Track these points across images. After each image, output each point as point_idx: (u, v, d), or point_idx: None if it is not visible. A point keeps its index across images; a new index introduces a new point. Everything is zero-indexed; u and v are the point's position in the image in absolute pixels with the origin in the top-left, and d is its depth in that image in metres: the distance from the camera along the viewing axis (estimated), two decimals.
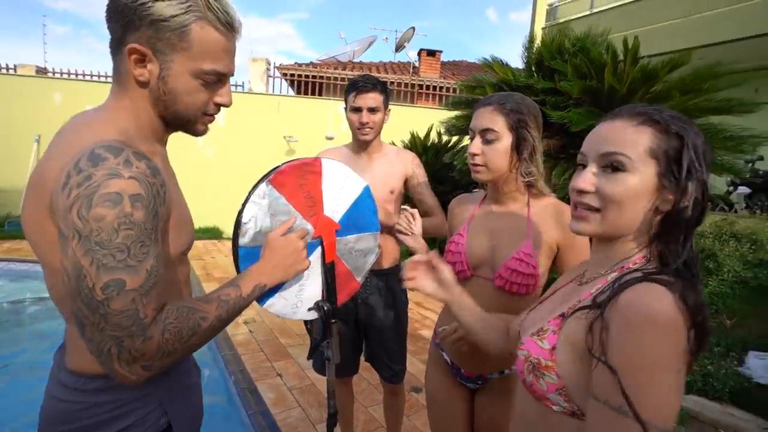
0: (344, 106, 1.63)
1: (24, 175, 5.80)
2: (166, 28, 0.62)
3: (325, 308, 1.01)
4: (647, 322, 0.51)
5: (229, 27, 0.67)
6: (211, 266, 5.07)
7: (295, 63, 9.69)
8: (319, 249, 1.02)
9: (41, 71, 7.38)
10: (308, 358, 1.08)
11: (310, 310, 1.02)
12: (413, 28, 10.24)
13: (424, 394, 1.30)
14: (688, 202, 0.58)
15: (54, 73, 7.24)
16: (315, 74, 8.69)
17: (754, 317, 3.02)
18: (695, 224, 0.60)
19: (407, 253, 1.26)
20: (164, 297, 0.68)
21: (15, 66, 7.05)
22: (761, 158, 5.51)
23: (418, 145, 5.26)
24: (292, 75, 8.78)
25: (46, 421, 0.69)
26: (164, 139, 0.75)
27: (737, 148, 2.86)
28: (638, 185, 0.59)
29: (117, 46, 0.65)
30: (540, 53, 3.43)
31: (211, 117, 0.74)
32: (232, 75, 0.72)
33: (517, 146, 0.98)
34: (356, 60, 10.54)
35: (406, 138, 5.53)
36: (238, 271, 0.92)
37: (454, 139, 4.87)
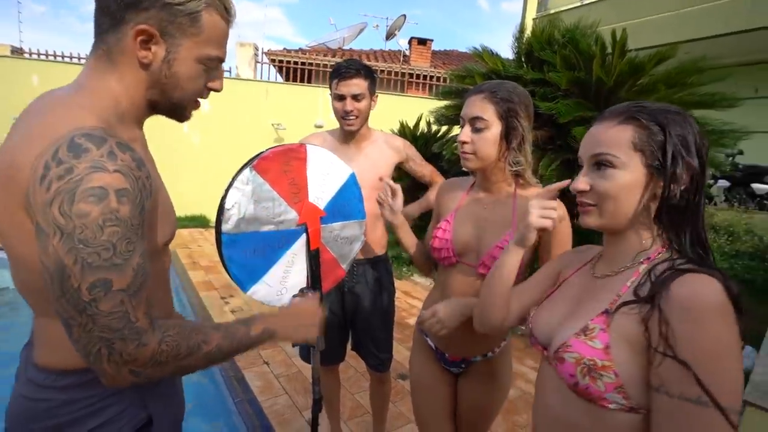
0: (330, 92, 1.59)
1: None
2: (179, 13, 0.62)
3: (310, 295, 1.01)
4: (714, 314, 0.53)
5: (231, 15, 0.69)
6: (197, 255, 5.02)
7: (284, 49, 9.51)
8: (303, 236, 1.02)
9: (17, 51, 7.10)
10: (293, 345, 1.08)
11: (294, 296, 1.02)
12: (404, 15, 10.13)
13: (410, 384, 1.32)
14: (677, 188, 0.62)
15: (31, 54, 6.97)
16: (304, 61, 8.55)
17: None
18: (693, 207, 0.63)
19: (395, 242, 1.27)
20: (151, 290, 0.67)
21: None
22: (741, 152, 5.65)
23: (407, 135, 5.24)
24: (281, 61, 8.63)
25: (14, 420, 0.66)
26: (142, 123, 0.72)
27: (719, 142, 2.92)
28: (628, 179, 0.64)
29: (115, 24, 0.62)
30: (530, 44, 3.43)
31: (198, 103, 0.74)
32: (224, 61, 0.73)
33: (506, 135, 0.98)
34: (346, 47, 10.40)
35: (396, 127, 5.50)
36: (221, 257, 0.91)
37: (444, 128, 4.86)
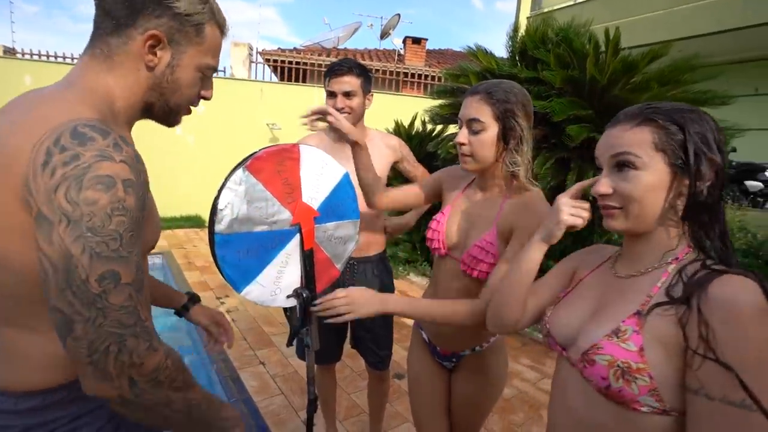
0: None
1: None
2: (187, 23, 0.66)
3: (304, 295, 1.01)
4: (756, 316, 0.52)
5: (225, 29, 0.74)
6: (192, 255, 4.99)
7: (279, 48, 9.48)
8: (297, 236, 1.01)
9: (9, 52, 7.03)
10: (288, 345, 1.08)
11: (288, 297, 1.02)
12: (398, 15, 10.13)
13: (407, 380, 1.32)
14: (702, 185, 0.62)
15: (24, 54, 6.90)
16: (299, 60, 8.53)
17: None
18: (717, 203, 0.63)
19: (393, 242, 1.27)
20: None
21: None
22: (734, 150, 5.69)
23: (402, 134, 5.24)
24: (275, 61, 8.59)
25: None
26: (132, 125, 0.73)
27: None
28: (652, 179, 0.63)
29: (120, 28, 0.63)
30: (524, 42, 3.44)
31: (190, 109, 0.76)
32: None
33: (504, 136, 0.97)
34: (341, 47, 10.39)
35: (391, 126, 5.50)
36: (214, 257, 0.91)
37: (439, 127, 4.87)
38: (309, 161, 1.02)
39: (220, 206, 0.88)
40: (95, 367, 0.51)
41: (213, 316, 1.04)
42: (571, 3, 6.67)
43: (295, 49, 9.86)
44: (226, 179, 0.89)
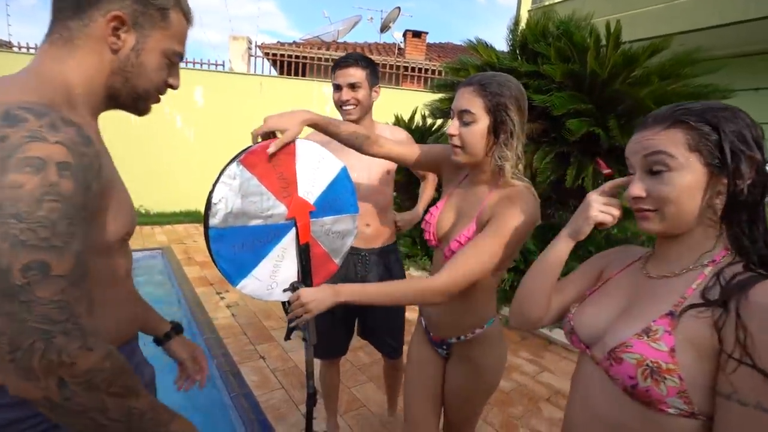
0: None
1: None
2: (152, 6, 0.66)
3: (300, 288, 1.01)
4: None
5: (190, 18, 0.74)
6: (192, 250, 5.00)
7: (278, 42, 9.42)
8: (293, 230, 1.01)
9: (5, 45, 6.99)
10: (285, 339, 1.08)
11: (285, 291, 1.02)
12: (399, 8, 10.05)
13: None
14: (743, 183, 0.60)
15: (20, 47, 6.86)
16: (298, 54, 8.48)
17: None
18: (759, 203, 0.61)
19: (403, 234, 1.27)
20: (103, 293, 0.61)
21: None
22: None
23: (402, 128, 5.22)
24: (275, 54, 8.55)
25: None
26: (97, 114, 0.70)
27: None
28: (688, 180, 0.61)
29: (80, 10, 0.63)
30: (524, 36, 3.41)
31: (158, 97, 0.75)
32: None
33: (495, 129, 0.96)
34: (340, 40, 10.31)
35: (391, 120, 5.48)
36: (209, 251, 0.91)
37: (439, 121, 4.85)
38: (305, 155, 1.02)
39: (214, 200, 0.88)
40: (17, 365, 0.46)
41: (192, 351, 0.97)
42: None
43: (294, 42, 9.80)
44: (221, 173, 0.89)
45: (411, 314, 2.05)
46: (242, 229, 0.93)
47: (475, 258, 0.93)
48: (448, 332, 1.13)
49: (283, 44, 9.23)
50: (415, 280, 0.98)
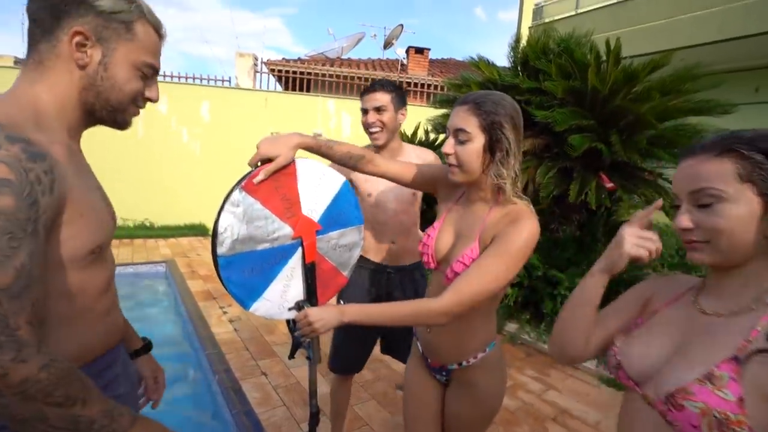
0: None
1: None
2: (114, 19, 0.67)
3: (306, 308, 1.01)
4: None
5: (162, 31, 0.75)
6: (196, 263, 5.01)
7: (283, 59, 9.59)
8: (300, 250, 1.02)
9: (20, 62, 7.16)
10: (289, 358, 1.08)
11: (290, 309, 1.02)
12: (401, 25, 10.23)
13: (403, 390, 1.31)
14: None
15: None
16: (303, 70, 8.62)
17: None
18: None
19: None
20: (71, 305, 0.62)
21: None
22: None
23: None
24: (280, 71, 8.69)
25: None
26: (77, 132, 0.72)
27: None
28: (741, 211, 0.59)
29: (48, 32, 0.65)
30: (525, 53, 3.46)
31: (137, 109, 0.76)
32: (158, 73, 0.78)
33: (490, 148, 0.96)
34: (344, 56, 10.49)
35: None
36: (220, 279, 0.91)
37: (442, 136, 4.89)
38: (306, 174, 1.03)
39: (220, 230, 0.88)
40: None
41: (154, 371, 0.99)
42: (573, 13, 6.71)
43: (299, 59, 9.97)
44: (224, 201, 0.90)
45: None
46: (250, 254, 0.93)
47: (480, 279, 0.91)
48: (449, 358, 1.09)
49: (288, 61, 9.40)
50: (418, 300, 0.96)
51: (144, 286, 4.39)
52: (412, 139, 5.30)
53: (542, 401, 2.43)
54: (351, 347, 1.69)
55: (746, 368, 0.56)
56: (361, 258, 1.64)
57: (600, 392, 2.56)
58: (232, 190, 0.91)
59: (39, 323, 0.54)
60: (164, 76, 7.16)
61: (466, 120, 0.96)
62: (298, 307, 1.01)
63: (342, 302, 1.60)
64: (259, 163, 0.98)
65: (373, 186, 1.60)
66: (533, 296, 3.33)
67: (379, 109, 1.54)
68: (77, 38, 0.65)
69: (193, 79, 7.31)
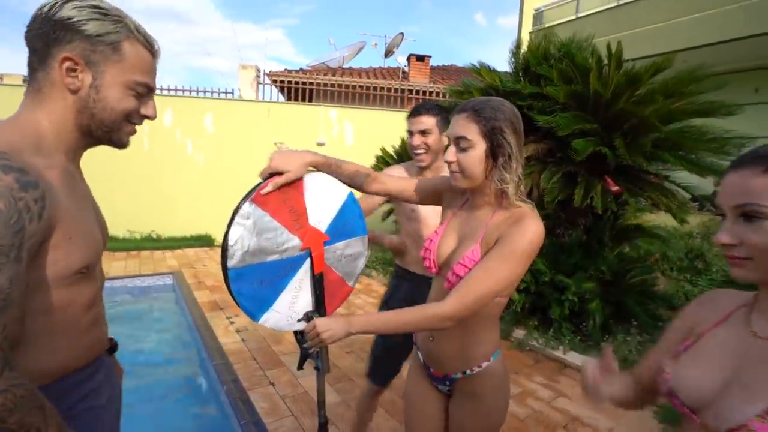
0: None
1: None
2: (100, 42, 0.68)
3: (314, 318, 1.01)
4: None
5: (152, 47, 0.75)
6: (202, 274, 5.02)
7: (285, 69, 9.69)
8: (308, 261, 1.02)
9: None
10: (298, 369, 1.07)
11: (299, 320, 1.02)
12: (402, 33, 10.34)
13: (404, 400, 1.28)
14: None
15: None
16: (305, 80, 8.70)
17: None
18: None
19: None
20: (53, 321, 0.64)
21: (1, 76, 6.96)
22: None
23: (407, 150, 5.27)
24: (282, 81, 8.78)
25: None
26: (76, 154, 0.75)
27: (721, 149, 2.92)
28: None
29: (42, 61, 0.67)
30: (526, 58, 3.48)
31: (133, 127, 0.77)
32: (155, 91, 0.79)
33: (492, 153, 0.96)
34: (346, 66, 10.58)
35: (396, 143, 5.55)
36: (230, 292, 0.92)
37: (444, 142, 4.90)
38: (312, 187, 1.04)
39: (230, 242, 0.89)
40: None
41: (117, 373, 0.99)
42: (573, 17, 6.75)
43: (301, 69, 10.07)
44: (234, 214, 0.91)
45: None
46: (260, 266, 0.94)
47: (484, 281, 0.91)
48: (453, 367, 1.07)
49: (290, 71, 9.50)
50: (422, 306, 0.96)
51: (151, 297, 4.41)
52: None
53: (552, 408, 2.40)
54: (392, 358, 1.71)
55: None
56: (404, 270, 1.69)
57: None
58: (241, 203, 0.92)
59: (10, 346, 0.55)
60: (168, 89, 7.26)
61: (467, 127, 0.96)
62: (308, 318, 1.02)
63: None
64: (268, 176, 1.00)
65: None
66: (540, 302, 3.30)
67: (424, 132, 1.59)
68: (66, 64, 0.67)
69: (197, 91, 7.41)
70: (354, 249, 1.15)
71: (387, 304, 1.69)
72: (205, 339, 3.14)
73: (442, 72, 11.58)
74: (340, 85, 8.67)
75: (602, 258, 3.29)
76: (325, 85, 8.64)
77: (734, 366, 0.63)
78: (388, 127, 7.00)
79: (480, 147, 0.96)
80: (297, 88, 8.61)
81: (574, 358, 2.94)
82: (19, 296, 0.56)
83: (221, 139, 6.84)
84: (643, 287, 3.35)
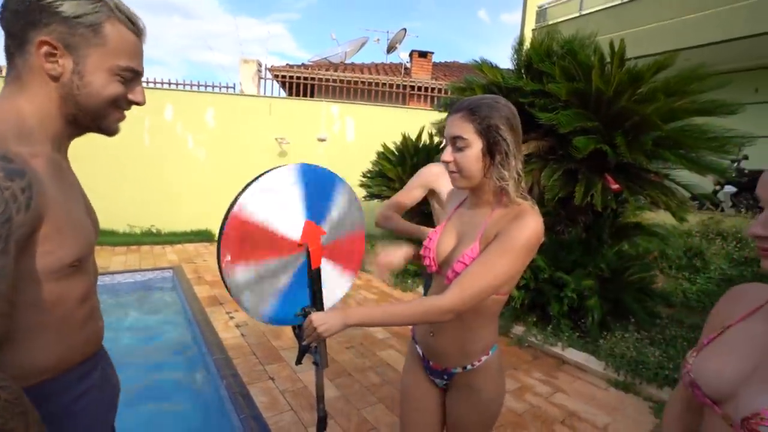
0: None
1: None
2: (79, 25, 0.64)
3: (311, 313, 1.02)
4: None
5: (137, 27, 0.70)
6: (202, 269, 5.04)
7: (287, 64, 9.66)
8: (305, 257, 1.03)
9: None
10: (296, 363, 1.08)
11: (297, 315, 1.03)
12: (404, 29, 10.28)
13: (400, 392, 1.29)
14: None
15: None
16: (306, 75, 8.68)
17: None
18: None
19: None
20: (43, 316, 0.63)
21: (1, 68, 6.94)
22: (746, 158, 5.62)
23: (409, 147, 5.28)
24: (284, 76, 8.76)
25: None
26: (62, 143, 0.71)
27: (721, 148, 2.91)
28: None
29: (20, 46, 0.64)
30: (529, 56, 3.46)
31: (122, 113, 0.74)
32: (142, 75, 0.75)
33: (489, 151, 0.96)
34: (348, 61, 10.54)
35: (398, 140, 5.55)
36: (227, 289, 0.95)
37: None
38: (256, 207, 1.01)
39: (247, 307, 0.96)
40: None
41: None
42: (576, 15, 6.71)
43: (303, 64, 10.04)
44: (230, 292, 0.97)
45: None
46: (274, 289, 1.00)
47: (483, 275, 0.91)
48: (453, 362, 1.09)
49: (292, 66, 9.47)
50: (422, 299, 0.96)
51: (151, 292, 4.43)
52: (416, 142, 5.30)
53: (550, 404, 2.42)
54: None
55: None
56: None
57: (608, 395, 2.54)
58: (226, 286, 0.97)
59: (2, 334, 0.54)
60: (169, 83, 7.25)
61: (462, 127, 0.96)
62: (305, 313, 1.02)
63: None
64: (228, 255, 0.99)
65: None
66: (540, 298, 3.31)
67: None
68: (44, 48, 0.63)
69: (198, 86, 7.39)
70: (341, 202, 1.14)
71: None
72: (204, 334, 3.15)
73: (444, 68, 11.53)
74: (341, 81, 8.64)
75: (601, 255, 3.30)
76: (327, 80, 8.61)
77: (757, 359, 0.62)
78: (390, 123, 6.99)
79: (476, 146, 0.96)
80: (299, 83, 8.59)
81: (572, 354, 2.96)
82: (6, 290, 0.54)
83: (222, 134, 6.83)
84: (641, 285, 3.35)
